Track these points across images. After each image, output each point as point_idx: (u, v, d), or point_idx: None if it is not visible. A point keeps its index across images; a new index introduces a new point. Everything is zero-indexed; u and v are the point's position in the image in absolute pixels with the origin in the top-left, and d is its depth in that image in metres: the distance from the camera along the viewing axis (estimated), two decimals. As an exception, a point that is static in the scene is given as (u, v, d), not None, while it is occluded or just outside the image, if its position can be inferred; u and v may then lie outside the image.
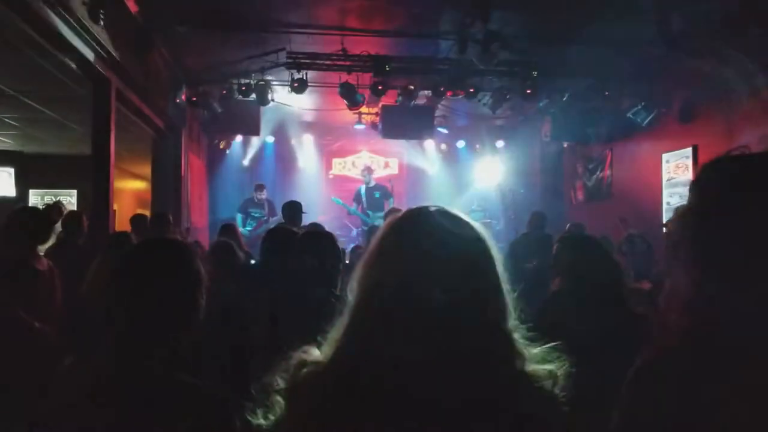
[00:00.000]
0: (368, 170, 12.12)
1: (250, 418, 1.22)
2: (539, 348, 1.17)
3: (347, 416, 1.10)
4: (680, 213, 1.29)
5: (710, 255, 1.19)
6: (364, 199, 11.38)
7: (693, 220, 1.25)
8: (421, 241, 1.16)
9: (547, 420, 1.09)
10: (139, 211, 12.32)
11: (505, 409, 1.08)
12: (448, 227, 1.18)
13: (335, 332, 1.21)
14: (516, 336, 1.15)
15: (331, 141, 14.39)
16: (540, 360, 1.14)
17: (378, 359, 1.09)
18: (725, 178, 1.23)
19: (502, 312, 1.15)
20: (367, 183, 11.65)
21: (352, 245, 8.52)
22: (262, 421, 1.20)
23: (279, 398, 1.19)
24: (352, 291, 1.21)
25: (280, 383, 1.20)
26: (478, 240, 1.19)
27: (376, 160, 14.55)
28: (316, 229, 3.19)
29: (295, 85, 8.80)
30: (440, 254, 1.14)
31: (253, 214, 11.03)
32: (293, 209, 6.30)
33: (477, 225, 1.22)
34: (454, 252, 1.15)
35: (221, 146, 13.00)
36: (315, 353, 1.23)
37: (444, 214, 1.21)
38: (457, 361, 1.08)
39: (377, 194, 11.34)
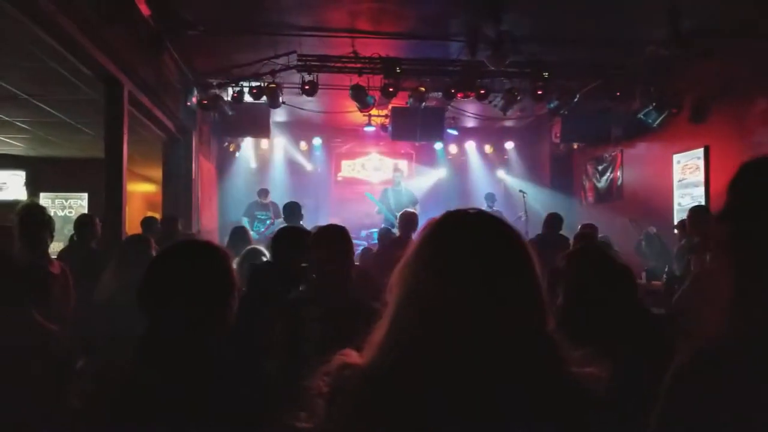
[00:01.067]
0: (399, 171, 12.06)
1: (291, 421, 1.21)
2: (580, 351, 1.16)
3: (388, 422, 1.09)
4: (720, 214, 1.28)
5: (752, 255, 1.18)
6: (391, 201, 11.31)
7: (733, 221, 1.24)
8: (460, 244, 1.15)
9: (593, 423, 1.08)
10: (149, 213, 12.38)
11: (550, 413, 1.07)
12: (487, 230, 1.18)
13: (376, 335, 1.19)
14: (557, 338, 1.14)
15: (340, 143, 14.41)
16: (581, 363, 1.13)
17: (420, 364, 1.09)
18: (765, 176, 1.22)
19: (542, 314, 1.14)
20: (397, 184, 11.61)
21: (361, 248, 8.49)
22: (304, 425, 1.19)
23: (320, 401, 1.18)
24: (391, 293, 1.20)
25: (322, 387, 1.19)
26: (517, 242, 1.18)
27: (385, 162, 14.55)
28: (330, 226, 3.16)
29: (306, 87, 8.81)
30: (480, 257, 1.13)
31: (259, 216, 11.18)
32: (293, 209, 6.38)
33: (514, 227, 1.21)
34: (494, 254, 1.14)
35: (231, 149, 13.03)
36: (355, 356, 1.22)
37: (482, 216, 1.21)
38: (501, 365, 1.07)
39: (404, 198, 11.27)
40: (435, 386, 1.07)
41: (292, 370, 2.57)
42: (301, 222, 6.93)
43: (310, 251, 2.83)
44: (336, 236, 2.91)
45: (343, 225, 3.18)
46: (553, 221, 7.36)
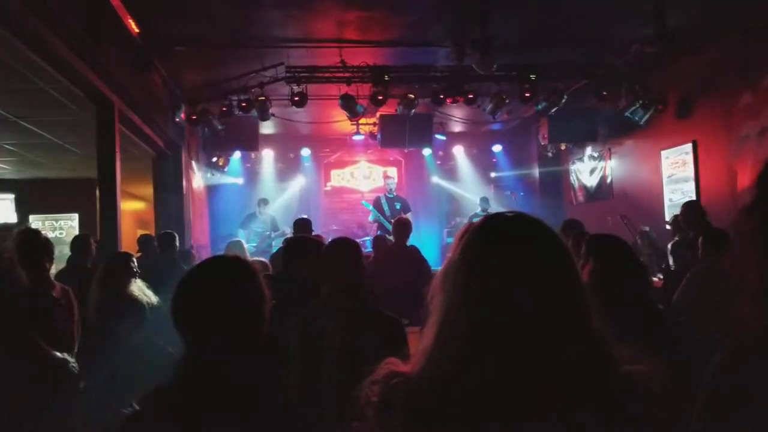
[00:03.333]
0: (391, 179, 12.04)
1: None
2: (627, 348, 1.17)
3: (444, 429, 1.09)
4: (748, 206, 1.30)
5: None
6: (385, 208, 11.28)
7: (761, 213, 1.26)
8: (504, 247, 1.16)
9: (650, 421, 1.09)
10: (140, 231, 12.32)
11: (607, 414, 1.07)
12: (528, 231, 1.19)
13: (423, 343, 1.20)
14: (606, 337, 1.14)
15: (329, 153, 14.41)
16: (631, 360, 1.14)
17: (472, 370, 1.09)
18: None
19: (589, 313, 1.15)
20: (389, 191, 11.59)
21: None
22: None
23: (370, 410, 1.18)
24: (435, 299, 1.20)
25: (371, 396, 1.19)
26: (559, 243, 1.19)
27: (374, 169, 14.58)
28: (343, 239, 3.17)
29: (296, 98, 8.82)
30: (524, 258, 1.14)
31: (255, 229, 10.98)
32: (305, 226, 6.38)
33: (553, 228, 1.22)
34: (538, 256, 1.15)
35: (220, 163, 12.99)
36: (401, 365, 1.22)
37: (522, 218, 1.22)
38: (554, 368, 1.08)
39: (398, 205, 11.22)
40: (489, 392, 1.07)
41: (312, 381, 2.59)
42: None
43: (324, 263, 2.85)
44: (348, 248, 2.94)
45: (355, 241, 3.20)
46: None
